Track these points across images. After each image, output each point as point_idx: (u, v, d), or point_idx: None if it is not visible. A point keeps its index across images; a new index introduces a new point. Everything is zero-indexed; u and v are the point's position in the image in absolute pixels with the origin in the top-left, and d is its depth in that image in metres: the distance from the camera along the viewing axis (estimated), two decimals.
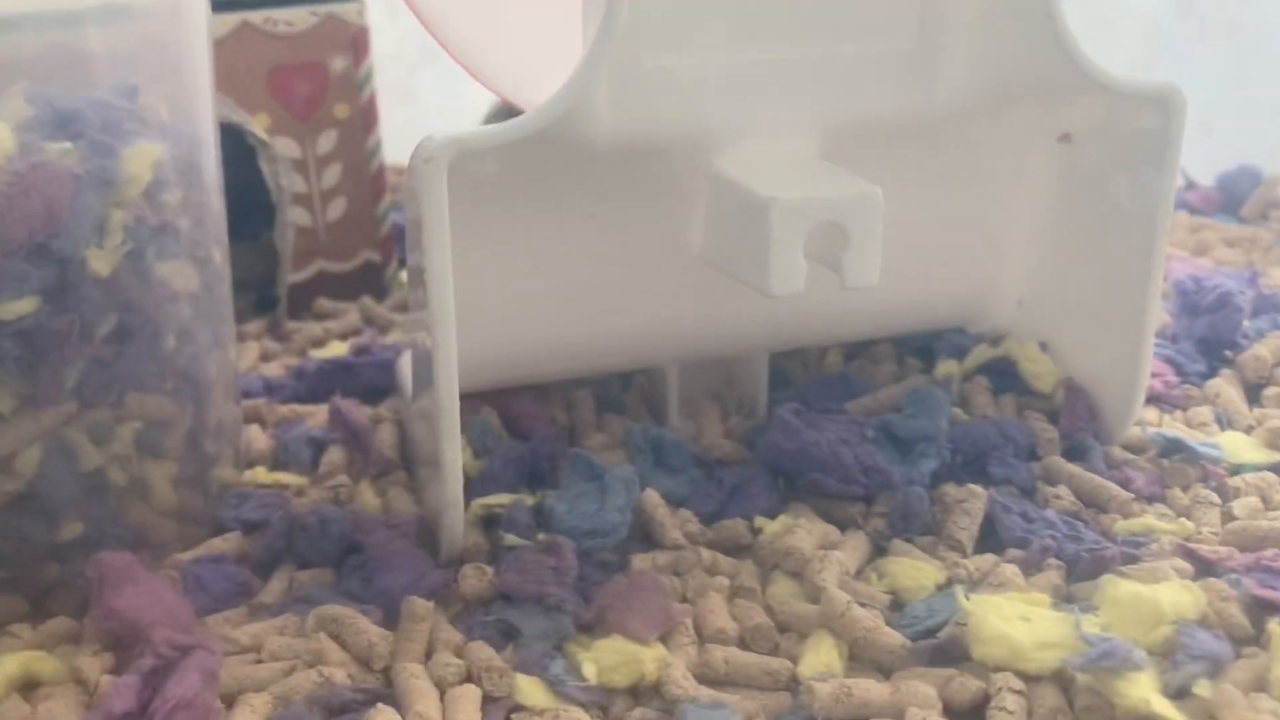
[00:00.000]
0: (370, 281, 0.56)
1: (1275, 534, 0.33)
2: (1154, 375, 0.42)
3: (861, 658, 0.30)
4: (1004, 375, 0.41)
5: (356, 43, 0.53)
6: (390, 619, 0.32)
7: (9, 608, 0.33)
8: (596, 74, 0.31)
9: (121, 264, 0.31)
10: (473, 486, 0.37)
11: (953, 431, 0.38)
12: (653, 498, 0.36)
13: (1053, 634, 0.28)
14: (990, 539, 0.35)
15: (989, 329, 0.44)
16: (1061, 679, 0.28)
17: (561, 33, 0.36)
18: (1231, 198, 0.62)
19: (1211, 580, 0.31)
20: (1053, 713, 0.27)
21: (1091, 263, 0.39)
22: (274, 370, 0.48)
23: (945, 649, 0.29)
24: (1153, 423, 0.40)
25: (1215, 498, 0.35)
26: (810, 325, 0.42)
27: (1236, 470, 0.37)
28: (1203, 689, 0.27)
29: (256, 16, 0.51)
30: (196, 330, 0.35)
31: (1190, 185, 0.64)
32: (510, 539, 0.34)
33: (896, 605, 0.32)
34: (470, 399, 0.41)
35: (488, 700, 0.29)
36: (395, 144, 0.56)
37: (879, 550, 0.35)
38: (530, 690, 0.29)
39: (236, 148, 0.50)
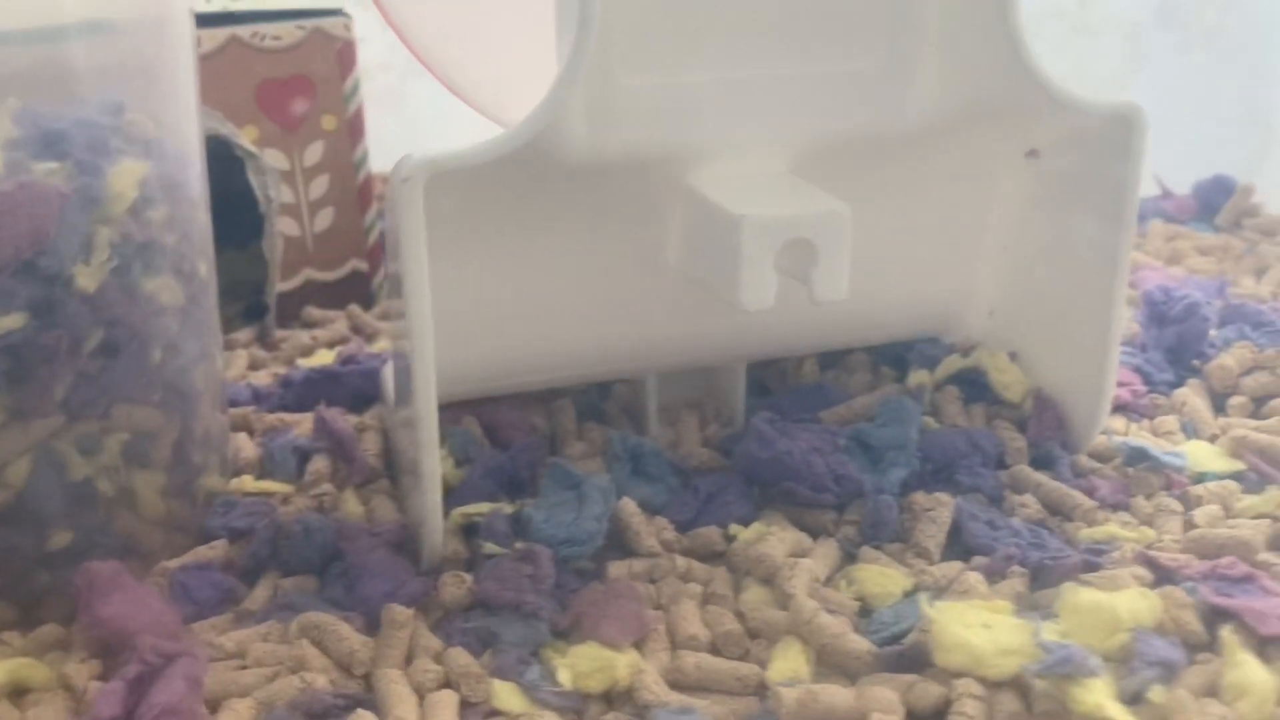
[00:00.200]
0: (358, 290, 0.56)
1: (1233, 542, 0.34)
2: (1122, 384, 0.43)
3: (829, 663, 0.31)
4: (975, 385, 0.42)
5: (343, 56, 0.54)
6: (372, 626, 0.33)
7: None
8: (570, 94, 0.32)
9: (108, 280, 0.32)
10: (454, 495, 0.38)
11: (923, 440, 0.39)
12: (629, 506, 0.37)
13: (1012, 641, 0.29)
14: (958, 546, 0.36)
15: (961, 339, 0.44)
16: (1021, 685, 0.29)
17: (541, 51, 0.37)
18: (1207, 206, 0.63)
19: (1169, 588, 0.32)
20: (1011, 718, 0.28)
21: (1059, 275, 0.40)
22: (262, 379, 0.49)
23: (909, 655, 0.30)
24: (1120, 431, 0.41)
25: (1177, 506, 0.36)
26: (786, 336, 0.43)
27: (1200, 479, 0.38)
28: (1156, 694, 0.28)
29: (244, 31, 0.52)
30: (183, 343, 0.36)
31: (1166, 194, 0.65)
32: (489, 547, 0.35)
33: (865, 612, 0.33)
34: (452, 408, 0.42)
35: (465, 705, 0.30)
36: (386, 152, 0.57)
37: (849, 557, 0.36)
38: (506, 695, 0.30)
39: (226, 159, 0.51)
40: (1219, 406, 0.43)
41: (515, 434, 0.41)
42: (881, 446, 0.39)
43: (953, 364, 0.43)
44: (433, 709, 0.29)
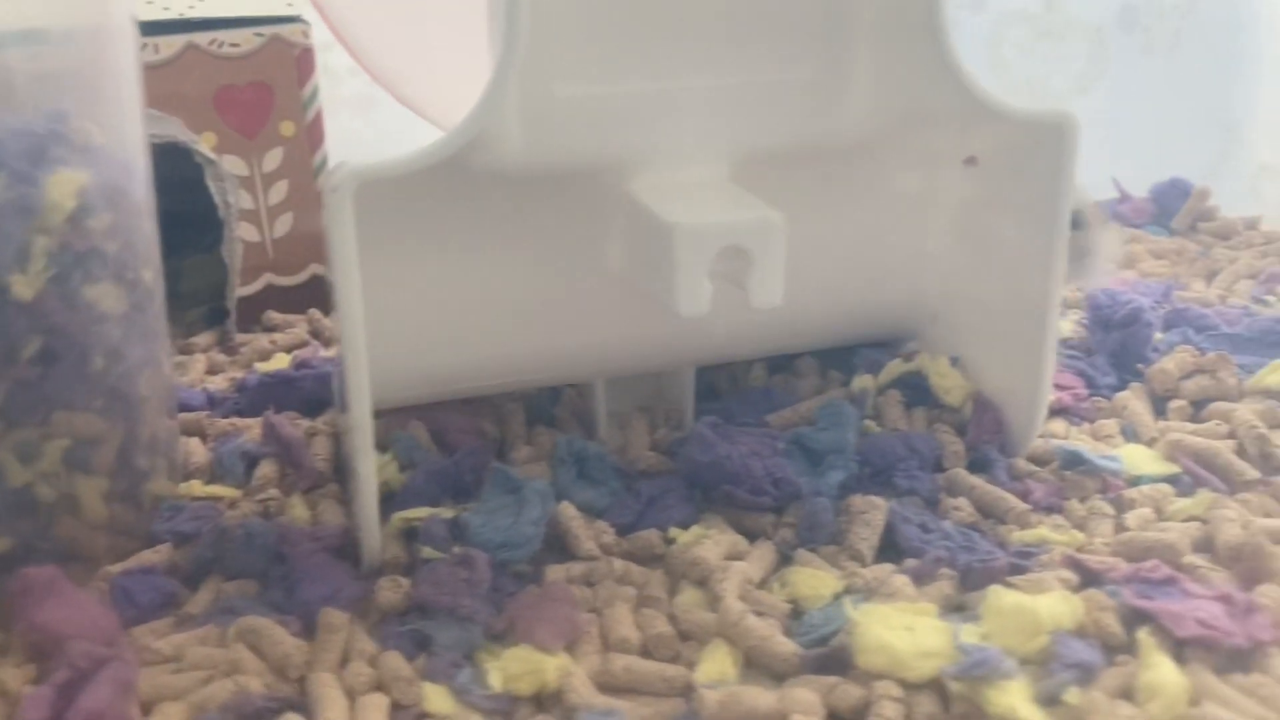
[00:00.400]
0: (317, 295, 0.57)
1: (1159, 545, 0.34)
2: (1065, 388, 0.44)
3: (757, 665, 0.32)
4: (918, 389, 0.43)
5: (301, 63, 0.54)
6: (310, 629, 0.33)
7: None
8: (501, 104, 0.33)
9: (46, 288, 0.32)
10: (397, 499, 0.38)
11: (863, 444, 0.39)
12: (568, 510, 0.37)
13: (932, 643, 0.30)
14: (892, 549, 0.36)
15: (907, 344, 0.45)
16: (939, 687, 0.29)
17: (483, 60, 0.37)
18: (1164, 209, 0.64)
19: (1092, 591, 0.32)
20: (929, 719, 0.29)
21: (996, 280, 0.40)
22: (219, 383, 0.50)
23: (833, 657, 0.31)
24: (1060, 435, 0.42)
25: (1110, 509, 0.37)
26: (733, 341, 0.44)
27: (1136, 482, 0.39)
28: (1072, 696, 0.29)
29: (202, 38, 0.52)
30: (126, 349, 0.36)
31: (1124, 197, 0.66)
32: (427, 552, 0.35)
33: (797, 614, 0.34)
34: (401, 413, 0.42)
35: (396, 708, 0.30)
36: (357, 154, 0.57)
37: (785, 560, 0.36)
38: (437, 698, 0.31)
39: (189, 166, 0.51)
40: (1160, 410, 0.43)
41: (462, 438, 0.42)
42: (821, 450, 0.39)
43: (895, 369, 0.43)
44: (363, 711, 0.30)
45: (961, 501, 0.37)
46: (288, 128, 0.55)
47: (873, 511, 0.36)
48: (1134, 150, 0.75)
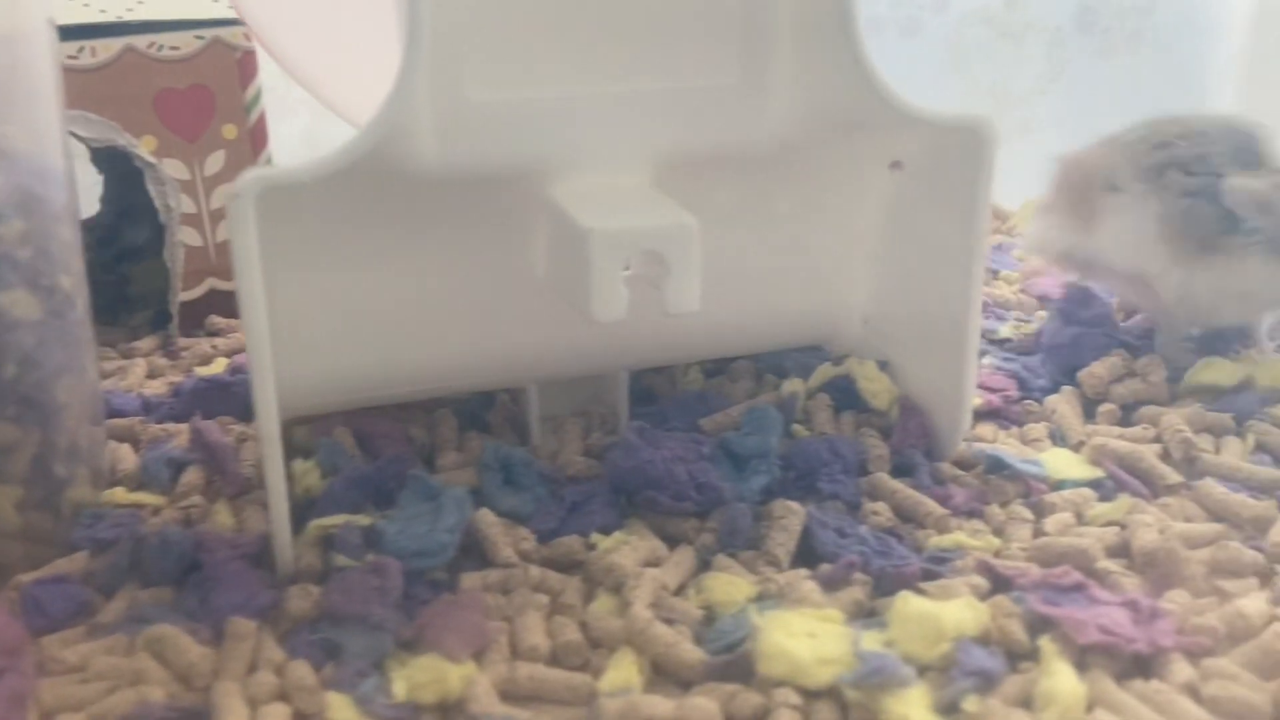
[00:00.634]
0: None
1: (1073, 550, 0.34)
2: (996, 390, 0.43)
3: (664, 673, 0.31)
4: (847, 393, 0.43)
5: (243, 65, 0.54)
6: (221, 637, 0.33)
7: None
8: (407, 108, 0.33)
9: None
10: (316, 506, 0.38)
11: (788, 448, 0.39)
12: (487, 517, 0.37)
13: (833, 650, 0.30)
14: (812, 554, 0.36)
15: (840, 347, 0.45)
16: (840, 695, 0.29)
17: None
18: None
19: (999, 597, 0.32)
20: None
21: (922, 284, 0.40)
22: (159, 388, 0.49)
23: (736, 664, 0.31)
24: (989, 439, 0.41)
25: (1028, 514, 0.37)
26: (665, 345, 0.44)
27: (1059, 486, 0.38)
28: (971, 704, 0.29)
29: (141, 41, 0.52)
30: (42, 356, 0.36)
31: None
32: (340, 559, 0.35)
33: (711, 620, 0.33)
34: (328, 418, 0.42)
35: (299, 717, 0.30)
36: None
37: (705, 565, 0.36)
38: (339, 707, 0.30)
39: (136, 171, 0.51)
40: (1091, 414, 0.43)
41: (388, 444, 0.41)
42: (746, 455, 0.39)
43: (825, 373, 0.43)
44: None
45: (881, 506, 0.37)
46: (230, 131, 0.54)
47: (790, 517, 0.36)
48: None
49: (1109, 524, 0.36)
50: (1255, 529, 0.36)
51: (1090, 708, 0.28)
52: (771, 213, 0.42)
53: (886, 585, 0.34)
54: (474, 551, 0.37)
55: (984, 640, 0.31)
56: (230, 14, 0.54)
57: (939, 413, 0.40)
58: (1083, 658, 0.30)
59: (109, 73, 0.52)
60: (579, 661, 0.32)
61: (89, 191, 0.65)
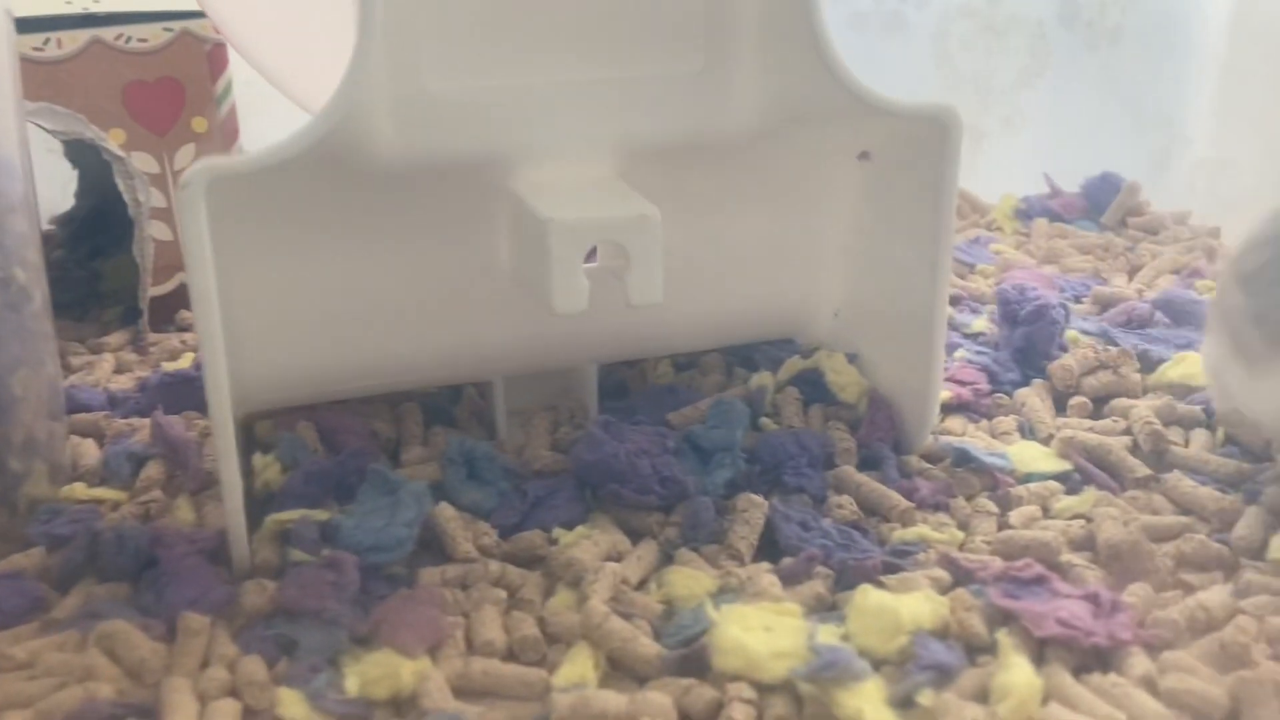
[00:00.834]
0: None
1: (1036, 544, 0.34)
2: (966, 384, 0.43)
3: (621, 668, 0.31)
4: (816, 386, 0.42)
5: (213, 58, 0.53)
6: (175, 633, 0.33)
7: None
8: (360, 98, 0.32)
9: None
10: (275, 501, 0.37)
11: (754, 441, 0.39)
12: (446, 511, 0.36)
13: (787, 644, 0.29)
14: (774, 548, 0.35)
15: (811, 340, 0.44)
16: (795, 688, 0.29)
17: None
18: (1095, 204, 0.63)
19: (958, 590, 0.32)
20: None
21: (890, 276, 0.40)
22: (126, 383, 0.49)
23: (692, 659, 0.30)
24: (958, 432, 0.41)
25: (993, 507, 0.36)
26: (634, 338, 0.43)
27: (1026, 479, 0.38)
28: (926, 698, 0.28)
29: (108, 33, 0.51)
30: None
31: (1055, 192, 0.65)
32: (296, 554, 0.35)
33: (671, 614, 0.33)
34: (291, 412, 0.42)
35: (249, 713, 0.30)
36: None
37: (668, 559, 0.36)
38: (291, 703, 0.30)
39: (107, 165, 0.51)
40: (1061, 406, 0.43)
41: (351, 439, 0.41)
42: (711, 448, 0.39)
43: (794, 365, 0.43)
44: (213, 718, 0.29)
45: (846, 499, 0.37)
46: (200, 124, 0.54)
47: (753, 510, 0.36)
48: (1076, 145, 0.75)
49: (1075, 517, 0.36)
50: (1221, 522, 0.35)
51: (1046, 701, 0.28)
52: (740, 204, 0.41)
53: (848, 579, 0.33)
54: (434, 546, 0.36)
55: (943, 634, 0.30)
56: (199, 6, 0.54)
57: (907, 406, 0.40)
58: (1041, 651, 0.30)
59: (76, 64, 0.51)
60: (536, 657, 0.32)
61: (65, 188, 0.65)
